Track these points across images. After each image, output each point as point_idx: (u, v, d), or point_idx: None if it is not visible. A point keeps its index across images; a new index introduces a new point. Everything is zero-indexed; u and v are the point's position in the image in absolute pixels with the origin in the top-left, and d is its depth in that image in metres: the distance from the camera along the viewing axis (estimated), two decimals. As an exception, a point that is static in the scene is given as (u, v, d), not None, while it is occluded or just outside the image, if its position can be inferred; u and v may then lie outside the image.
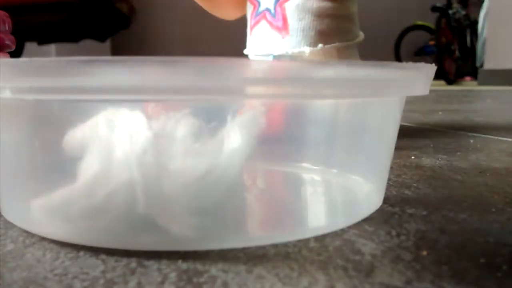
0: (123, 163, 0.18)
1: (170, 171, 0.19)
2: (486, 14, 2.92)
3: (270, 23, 0.48)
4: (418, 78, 0.23)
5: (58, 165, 0.21)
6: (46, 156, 0.21)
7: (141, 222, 0.19)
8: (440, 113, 0.92)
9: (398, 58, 3.56)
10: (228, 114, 0.19)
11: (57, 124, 0.20)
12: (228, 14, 0.57)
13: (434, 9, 3.36)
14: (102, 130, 0.19)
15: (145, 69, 0.17)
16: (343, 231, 0.22)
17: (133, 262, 0.19)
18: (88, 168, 0.19)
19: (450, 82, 3.24)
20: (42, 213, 0.20)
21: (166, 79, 0.17)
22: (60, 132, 0.20)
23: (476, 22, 3.28)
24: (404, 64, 0.21)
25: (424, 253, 0.20)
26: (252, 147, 0.19)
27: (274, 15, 0.47)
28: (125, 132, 0.19)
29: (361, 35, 0.50)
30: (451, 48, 3.40)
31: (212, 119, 0.19)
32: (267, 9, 0.48)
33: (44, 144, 0.21)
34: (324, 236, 0.22)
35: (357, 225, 0.23)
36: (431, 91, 0.25)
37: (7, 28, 0.29)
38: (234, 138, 0.19)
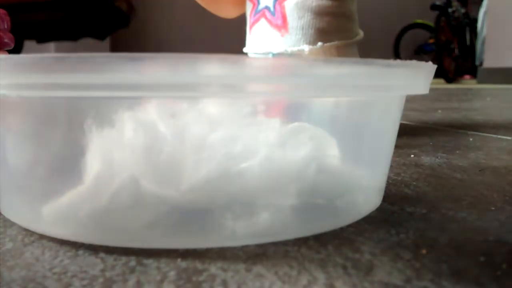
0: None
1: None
2: (485, 13, 2.91)
3: (269, 21, 0.47)
4: (418, 77, 0.23)
5: (63, 164, 0.20)
6: (51, 155, 0.21)
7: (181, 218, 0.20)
8: (439, 111, 0.92)
9: (397, 56, 3.56)
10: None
11: (60, 122, 0.20)
12: (227, 12, 0.57)
13: (433, 7, 3.36)
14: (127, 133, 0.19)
15: (145, 66, 0.17)
16: (342, 229, 0.22)
17: (132, 261, 0.19)
18: (93, 168, 0.19)
19: (449, 80, 3.25)
20: (52, 217, 0.20)
21: (164, 76, 0.17)
22: (63, 131, 0.20)
23: (475, 21, 3.28)
24: (404, 62, 0.21)
25: (424, 251, 0.20)
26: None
27: (273, 13, 0.47)
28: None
29: (361, 33, 0.50)
30: (451, 47, 3.40)
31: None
32: (267, 7, 0.48)
33: (48, 143, 0.20)
34: (323, 235, 0.22)
35: (356, 223, 0.23)
36: (430, 89, 0.25)
37: (6, 26, 0.29)
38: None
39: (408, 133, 0.58)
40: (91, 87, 0.17)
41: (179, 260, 0.19)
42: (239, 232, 0.20)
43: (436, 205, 0.27)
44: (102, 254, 0.19)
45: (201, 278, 0.17)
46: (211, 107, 0.19)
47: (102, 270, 0.18)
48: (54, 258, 0.19)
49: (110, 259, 0.19)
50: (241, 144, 0.19)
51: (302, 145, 0.21)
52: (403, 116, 0.26)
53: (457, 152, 0.44)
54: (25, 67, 0.17)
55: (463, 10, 3.47)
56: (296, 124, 0.21)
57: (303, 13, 0.46)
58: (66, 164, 0.20)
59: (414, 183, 0.32)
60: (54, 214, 0.20)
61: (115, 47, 3.22)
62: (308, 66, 0.19)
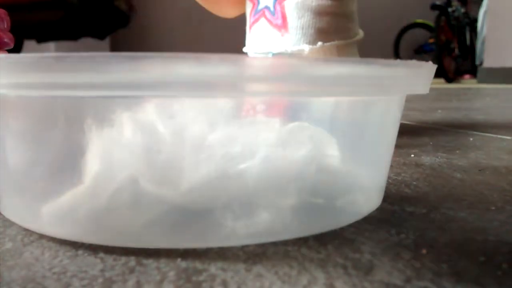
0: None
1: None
2: (485, 12, 2.91)
3: (269, 21, 0.47)
4: (419, 76, 0.23)
5: (62, 163, 0.20)
6: (51, 154, 0.21)
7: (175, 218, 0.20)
8: (439, 111, 0.91)
9: (397, 56, 3.56)
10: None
11: (60, 122, 0.20)
12: (227, 12, 0.57)
13: (433, 7, 3.36)
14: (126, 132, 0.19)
15: (144, 65, 0.17)
16: (342, 229, 0.22)
17: (132, 261, 0.19)
18: (92, 167, 0.19)
19: (449, 80, 3.25)
20: (52, 217, 0.20)
21: (164, 75, 0.17)
22: (62, 130, 0.20)
23: (475, 20, 3.28)
24: (404, 62, 0.21)
25: (424, 251, 0.20)
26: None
27: (273, 13, 0.47)
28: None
29: (361, 33, 0.50)
30: (451, 46, 3.40)
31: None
32: (267, 7, 0.48)
33: (48, 143, 0.20)
34: (323, 235, 0.22)
35: (357, 223, 0.23)
36: (430, 89, 0.25)
37: (5, 26, 0.29)
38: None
39: (408, 133, 0.58)
40: (91, 87, 0.17)
41: (178, 260, 0.19)
42: (239, 232, 0.20)
43: (436, 205, 0.27)
44: (101, 254, 0.19)
45: (201, 278, 0.17)
46: (210, 106, 0.19)
47: (102, 270, 0.18)
48: (53, 258, 0.19)
49: (109, 259, 0.19)
50: (240, 144, 0.19)
51: (302, 145, 0.21)
52: (403, 116, 0.26)
53: (457, 152, 0.44)
54: (24, 66, 0.17)
55: (463, 10, 3.47)
56: (296, 123, 0.21)
57: (303, 13, 0.46)
58: (66, 164, 0.20)
59: (415, 183, 0.32)
60: (54, 214, 0.20)
61: (115, 47, 3.21)
62: (308, 66, 0.18)
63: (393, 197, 0.28)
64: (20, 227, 0.23)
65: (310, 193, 0.21)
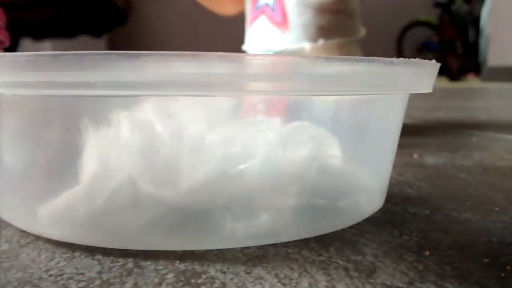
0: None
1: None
2: (489, 10, 2.90)
3: (269, 18, 0.47)
4: (422, 75, 0.22)
5: (59, 164, 0.20)
6: (47, 155, 0.20)
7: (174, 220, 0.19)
8: (443, 110, 0.91)
9: (400, 54, 3.55)
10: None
11: (56, 122, 0.20)
12: (226, 9, 0.57)
13: (436, 5, 3.35)
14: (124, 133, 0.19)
15: (142, 64, 0.16)
16: (344, 231, 0.22)
17: (130, 263, 0.19)
18: (89, 168, 0.19)
19: (453, 79, 3.24)
20: (48, 218, 0.20)
21: (162, 74, 0.16)
22: (59, 130, 0.20)
23: (479, 18, 3.26)
24: (407, 60, 0.21)
25: (427, 253, 0.20)
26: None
27: (273, 10, 0.47)
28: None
29: (362, 31, 0.50)
30: (454, 45, 3.39)
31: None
32: (267, 4, 0.47)
33: (44, 143, 0.20)
34: (325, 236, 0.21)
35: (358, 224, 0.23)
36: (433, 88, 0.25)
37: (1, 24, 0.29)
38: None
39: (412, 132, 0.58)
40: (88, 86, 0.17)
41: (177, 262, 0.19)
42: (239, 233, 0.19)
43: (439, 206, 0.26)
44: (99, 256, 0.19)
45: (200, 281, 0.17)
46: (209, 105, 0.19)
47: (99, 272, 0.18)
48: (50, 259, 0.19)
49: (107, 261, 0.19)
50: (240, 144, 0.19)
51: (303, 145, 0.20)
52: (406, 115, 0.26)
53: (461, 151, 0.44)
54: (20, 65, 0.17)
55: (466, 8, 3.45)
56: (296, 123, 0.21)
57: (304, 10, 0.45)
58: (62, 164, 0.20)
59: (418, 183, 0.32)
60: (50, 215, 0.20)
61: (112, 45, 3.20)
62: (310, 64, 0.18)
63: (395, 197, 0.28)
64: (16, 228, 0.22)
65: (311, 194, 0.21)
